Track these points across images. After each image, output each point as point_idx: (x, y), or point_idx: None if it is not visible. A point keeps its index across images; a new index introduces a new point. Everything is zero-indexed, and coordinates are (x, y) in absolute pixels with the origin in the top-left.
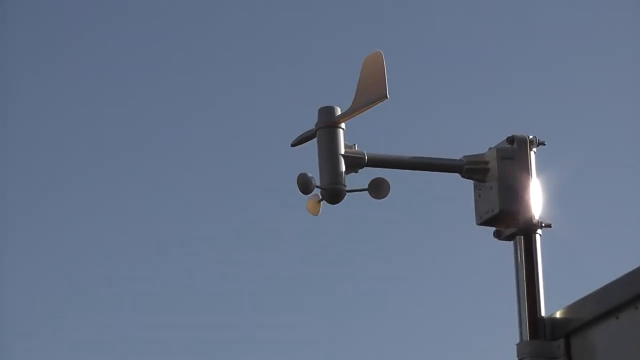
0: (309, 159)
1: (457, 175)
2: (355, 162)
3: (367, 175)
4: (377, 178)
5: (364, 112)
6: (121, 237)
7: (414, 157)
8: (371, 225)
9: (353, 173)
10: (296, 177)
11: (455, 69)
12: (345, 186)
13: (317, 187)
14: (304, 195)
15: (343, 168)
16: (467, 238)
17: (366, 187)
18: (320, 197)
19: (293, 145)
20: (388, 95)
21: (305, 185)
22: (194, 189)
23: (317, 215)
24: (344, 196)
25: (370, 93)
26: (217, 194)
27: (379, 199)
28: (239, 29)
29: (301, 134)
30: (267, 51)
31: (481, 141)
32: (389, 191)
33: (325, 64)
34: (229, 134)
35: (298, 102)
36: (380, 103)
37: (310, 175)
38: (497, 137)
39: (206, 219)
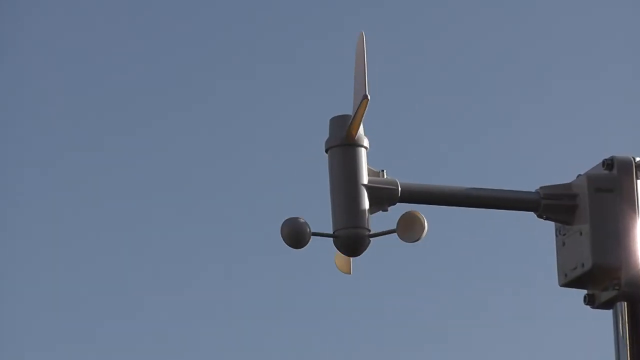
0: (318, 188)
1: (532, 214)
2: (384, 196)
3: (397, 213)
4: (407, 213)
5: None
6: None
7: (469, 190)
8: (412, 275)
9: (381, 212)
10: (280, 225)
11: (524, 63)
12: (370, 230)
13: (317, 234)
14: (294, 249)
15: (367, 204)
16: (545, 304)
17: (394, 227)
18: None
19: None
20: (369, 96)
21: (296, 237)
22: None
23: (350, 273)
24: (367, 245)
25: (356, 95)
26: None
27: (412, 241)
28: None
29: (385, 230)
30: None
31: (565, 166)
32: (423, 230)
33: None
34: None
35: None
36: (365, 108)
37: (302, 220)
38: (588, 160)
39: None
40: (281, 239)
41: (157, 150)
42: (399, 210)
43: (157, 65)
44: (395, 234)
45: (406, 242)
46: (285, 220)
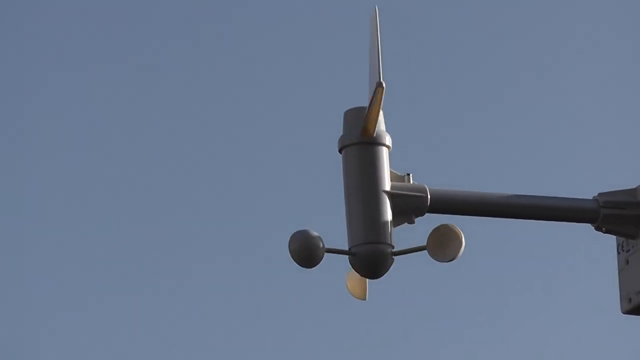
0: (330, 195)
1: (589, 226)
2: (410, 206)
3: (427, 226)
4: (442, 227)
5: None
6: None
7: (512, 197)
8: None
9: (406, 224)
10: (288, 240)
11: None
12: (393, 247)
13: (331, 251)
14: (306, 268)
15: (389, 215)
16: (605, 336)
17: (424, 244)
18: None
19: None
20: (384, 83)
21: (307, 254)
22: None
23: (364, 299)
24: (390, 264)
25: (371, 83)
26: None
27: (446, 260)
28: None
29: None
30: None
31: (629, 168)
32: (461, 246)
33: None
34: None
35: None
36: (382, 98)
37: (314, 234)
38: None
39: None
40: (289, 255)
41: (161, 149)
42: (427, 222)
43: (159, 65)
44: (425, 251)
45: (440, 261)
46: (294, 234)
